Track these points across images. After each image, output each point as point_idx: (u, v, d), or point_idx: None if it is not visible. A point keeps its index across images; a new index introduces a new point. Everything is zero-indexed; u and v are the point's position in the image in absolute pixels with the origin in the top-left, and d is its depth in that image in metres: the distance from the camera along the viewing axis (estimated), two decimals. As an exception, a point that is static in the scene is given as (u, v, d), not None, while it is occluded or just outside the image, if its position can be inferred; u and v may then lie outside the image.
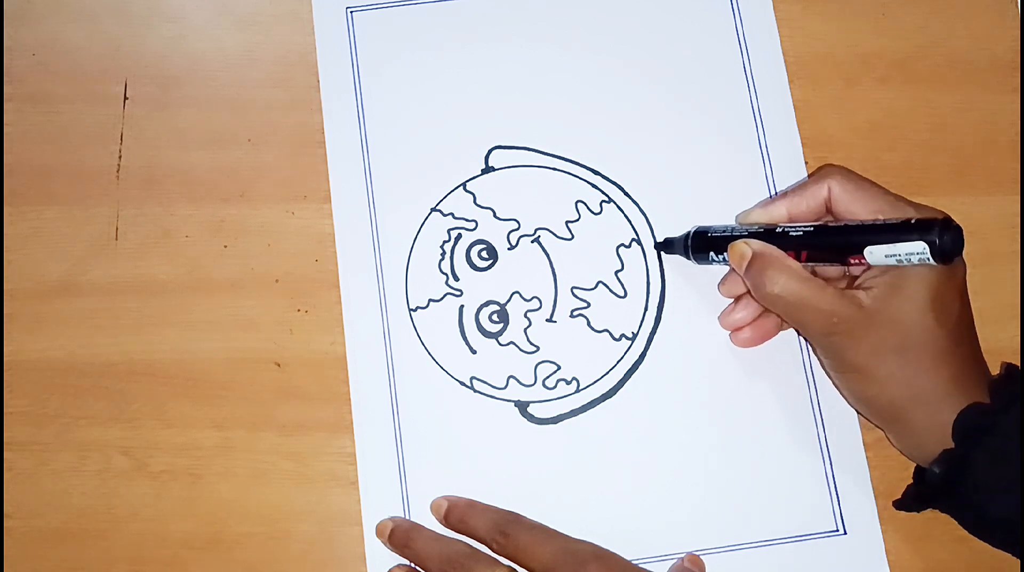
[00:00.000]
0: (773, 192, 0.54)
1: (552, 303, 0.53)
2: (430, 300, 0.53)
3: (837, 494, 0.51)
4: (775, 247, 0.47)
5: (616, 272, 0.54)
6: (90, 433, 0.52)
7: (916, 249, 0.43)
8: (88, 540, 0.51)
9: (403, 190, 0.55)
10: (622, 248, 0.54)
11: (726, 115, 0.55)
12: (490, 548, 0.48)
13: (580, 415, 0.52)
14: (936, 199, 0.54)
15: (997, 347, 0.51)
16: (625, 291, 0.53)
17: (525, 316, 0.53)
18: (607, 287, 0.54)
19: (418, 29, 0.57)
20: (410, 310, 0.53)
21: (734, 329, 0.52)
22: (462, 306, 0.53)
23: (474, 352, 0.53)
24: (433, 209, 0.55)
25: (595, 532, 0.49)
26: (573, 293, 0.53)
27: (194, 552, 0.50)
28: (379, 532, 0.50)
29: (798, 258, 0.47)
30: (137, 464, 0.51)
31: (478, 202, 0.55)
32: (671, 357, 0.53)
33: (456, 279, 0.54)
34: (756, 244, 0.47)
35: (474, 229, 0.54)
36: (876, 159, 0.55)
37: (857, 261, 0.45)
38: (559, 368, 0.53)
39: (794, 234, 0.47)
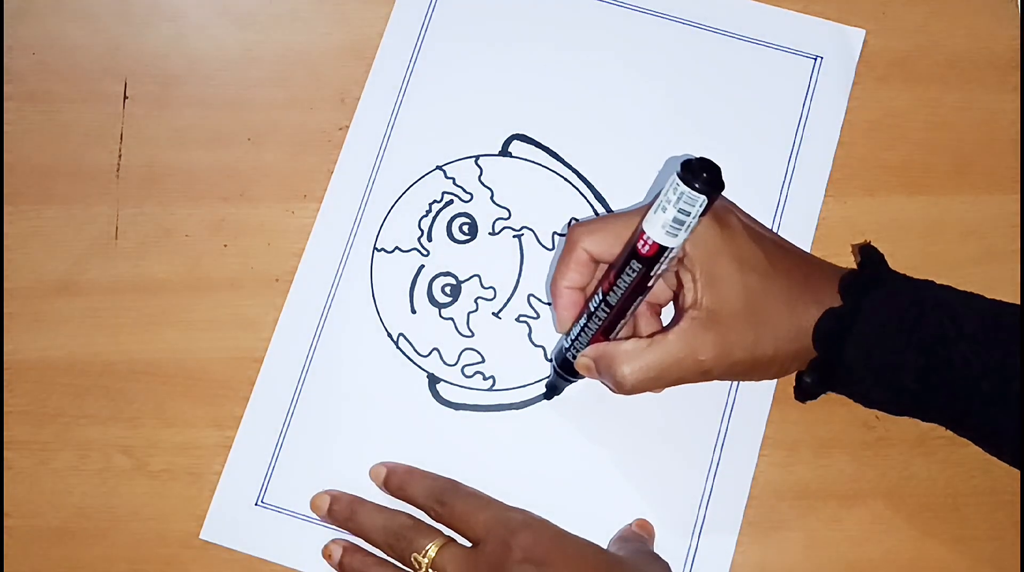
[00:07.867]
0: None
1: (505, 300, 0.53)
2: (396, 248, 0.54)
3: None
4: (605, 343, 0.46)
5: None
6: (90, 432, 0.52)
7: (673, 192, 0.41)
8: (88, 540, 0.51)
9: (417, 149, 0.55)
10: None
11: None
12: (428, 515, 0.48)
13: (481, 413, 0.52)
14: (936, 198, 0.54)
15: (997, 346, 0.51)
16: None
17: (475, 301, 0.53)
18: None
19: (495, 12, 0.57)
20: (375, 249, 0.54)
21: None
22: (422, 266, 0.54)
23: (414, 312, 0.53)
24: (438, 167, 0.55)
25: None
26: (528, 300, 0.53)
27: (194, 552, 0.50)
28: (315, 507, 0.50)
29: (628, 304, 0.45)
30: (137, 463, 0.51)
31: (482, 179, 0.55)
32: (589, 396, 0.51)
33: (429, 240, 0.54)
34: (589, 352, 0.47)
35: (468, 201, 0.54)
36: (876, 158, 0.55)
37: (643, 241, 0.42)
38: (483, 361, 0.52)
39: (599, 297, 0.45)
